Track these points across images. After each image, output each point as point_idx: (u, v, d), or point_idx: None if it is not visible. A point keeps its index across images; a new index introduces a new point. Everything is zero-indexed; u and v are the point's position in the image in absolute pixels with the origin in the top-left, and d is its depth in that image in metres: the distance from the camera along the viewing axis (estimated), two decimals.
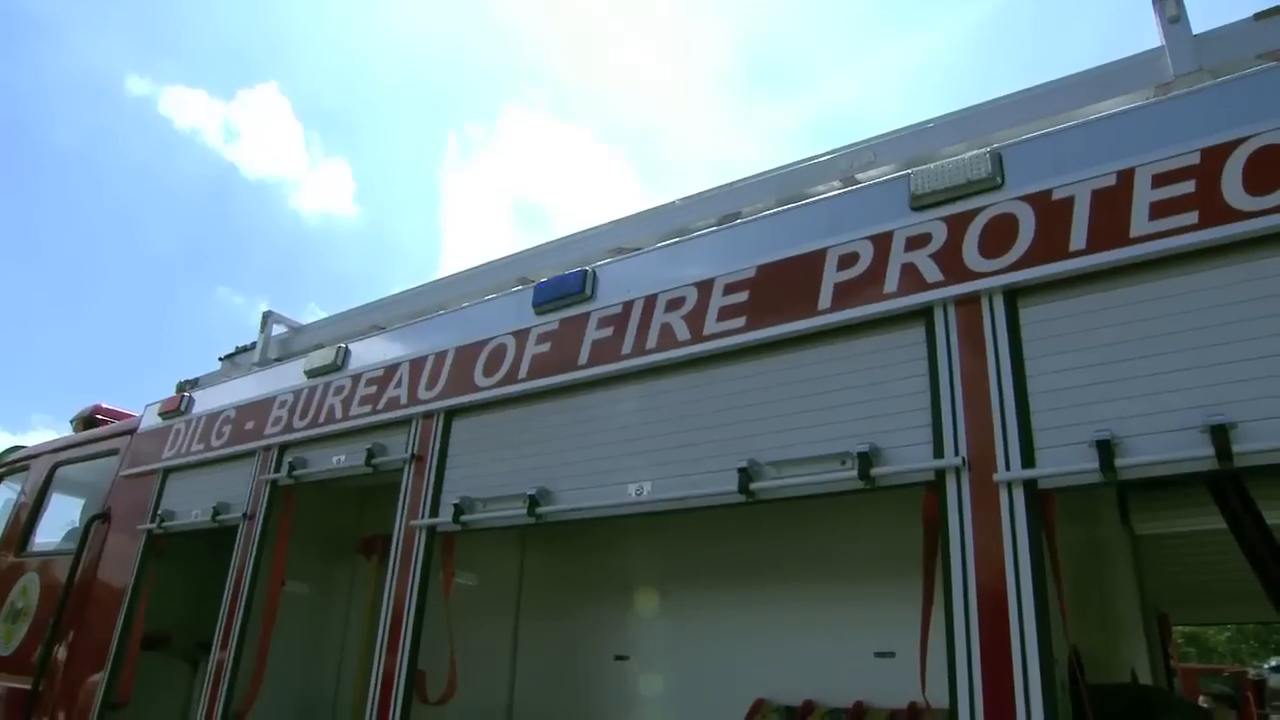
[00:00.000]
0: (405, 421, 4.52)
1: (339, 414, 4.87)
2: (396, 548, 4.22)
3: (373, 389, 4.77)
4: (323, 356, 5.19)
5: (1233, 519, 3.74)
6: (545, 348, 4.08)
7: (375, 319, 5.65)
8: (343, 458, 4.75)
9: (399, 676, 3.93)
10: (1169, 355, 2.68)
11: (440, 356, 4.51)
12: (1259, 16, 3.23)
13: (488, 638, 4.70)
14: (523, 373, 4.12)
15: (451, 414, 4.34)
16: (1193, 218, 2.78)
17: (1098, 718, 3.23)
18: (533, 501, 3.77)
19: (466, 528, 4.03)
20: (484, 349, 4.34)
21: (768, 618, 3.90)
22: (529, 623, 4.80)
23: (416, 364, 4.61)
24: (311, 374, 5.20)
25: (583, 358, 3.93)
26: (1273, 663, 15.39)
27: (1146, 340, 2.72)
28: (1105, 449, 2.61)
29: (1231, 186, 2.76)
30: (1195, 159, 2.84)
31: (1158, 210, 2.84)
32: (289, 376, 5.40)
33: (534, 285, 4.34)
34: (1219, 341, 2.62)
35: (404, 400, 4.56)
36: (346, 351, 5.12)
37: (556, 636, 4.58)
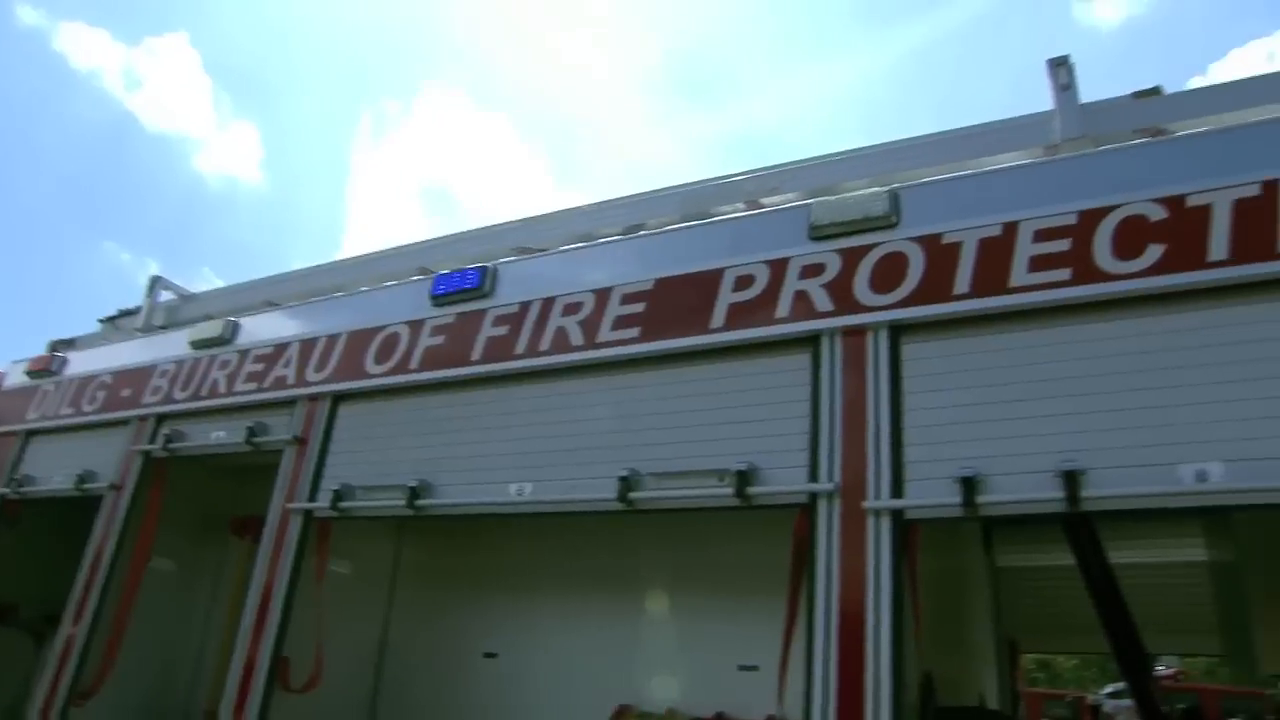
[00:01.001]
0: (290, 402, 4.43)
1: (222, 389, 4.74)
2: (270, 530, 4.13)
3: (260, 366, 4.66)
4: (211, 328, 5.04)
5: (1080, 557, 3.97)
6: (440, 340, 4.06)
7: (269, 294, 5.52)
8: (223, 434, 4.63)
9: (261, 662, 3.85)
10: (1033, 401, 2.84)
11: (332, 339, 4.44)
12: (1138, 95, 3.45)
13: (357, 627, 4.64)
14: (415, 363, 4.09)
15: (339, 398, 4.28)
16: (1066, 274, 2.95)
17: None
18: (413, 493, 3.74)
19: (344, 514, 3.97)
20: (377, 336, 4.29)
21: (638, 626, 3.96)
22: (401, 615, 4.75)
23: (307, 345, 4.52)
24: (197, 345, 5.05)
25: (476, 354, 3.92)
26: (1108, 690, 16.32)
27: (1014, 385, 2.88)
28: (968, 486, 2.76)
29: (1102, 249, 2.94)
30: (1073, 219, 3.02)
31: (1036, 264, 3.01)
32: (173, 346, 5.23)
33: (434, 276, 4.31)
34: (1078, 392, 2.80)
35: (291, 380, 4.47)
36: (236, 325, 4.99)
37: (428, 630, 4.55)
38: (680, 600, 3.91)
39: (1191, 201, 2.92)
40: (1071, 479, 2.66)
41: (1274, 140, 2.94)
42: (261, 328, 4.88)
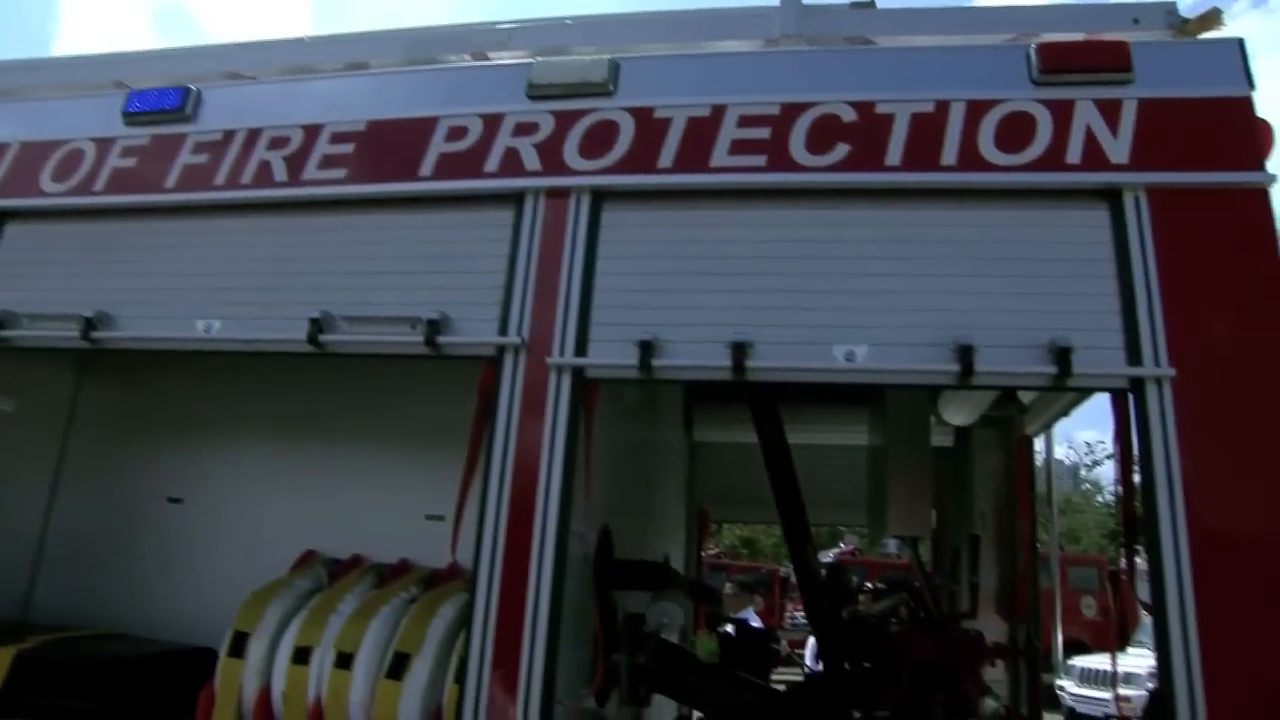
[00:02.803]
0: None
1: None
2: None
3: None
4: None
5: (762, 435, 4.33)
6: (130, 163, 3.72)
7: None
8: None
9: None
10: (715, 276, 3.02)
11: (2, 148, 3.95)
12: (854, 5, 3.64)
13: (24, 465, 4.28)
14: (99, 185, 3.73)
15: (6, 216, 3.84)
16: (762, 160, 3.12)
17: (613, 585, 3.63)
18: (88, 324, 3.46)
19: (6, 344, 3.62)
20: (57, 150, 3.86)
21: (327, 472, 3.92)
22: (77, 457, 4.42)
23: None
24: None
25: (171, 181, 3.64)
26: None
27: (701, 260, 3.05)
28: (646, 349, 2.91)
29: (797, 141, 3.13)
30: (776, 110, 3.18)
31: (736, 147, 3.16)
32: None
33: (129, 92, 3.91)
34: (755, 271, 3.00)
35: None
36: None
37: (107, 471, 4.27)
38: (371, 449, 3.89)
39: (880, 109, 3.15)
40: (739, 350, 2.87)
41: (955, 65, 3.21)
42: None
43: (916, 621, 4.09)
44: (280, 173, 3.49)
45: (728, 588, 8.17)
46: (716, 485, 6.22)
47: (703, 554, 6.99)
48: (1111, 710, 8.89)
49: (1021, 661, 4.75)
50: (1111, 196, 2.95)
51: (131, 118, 3.80)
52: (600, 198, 3.16)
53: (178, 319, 3.42)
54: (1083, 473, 35.58)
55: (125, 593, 3.97)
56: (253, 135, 3.60)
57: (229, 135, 3.64)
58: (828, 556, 16.58)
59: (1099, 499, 33.00)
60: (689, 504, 6.12)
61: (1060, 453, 35.84)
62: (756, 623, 6.22)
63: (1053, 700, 14.01)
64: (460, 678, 2.86)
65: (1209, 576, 2.61)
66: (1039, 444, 5.19)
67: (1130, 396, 2.77)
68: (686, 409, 5.69)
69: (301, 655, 3.24)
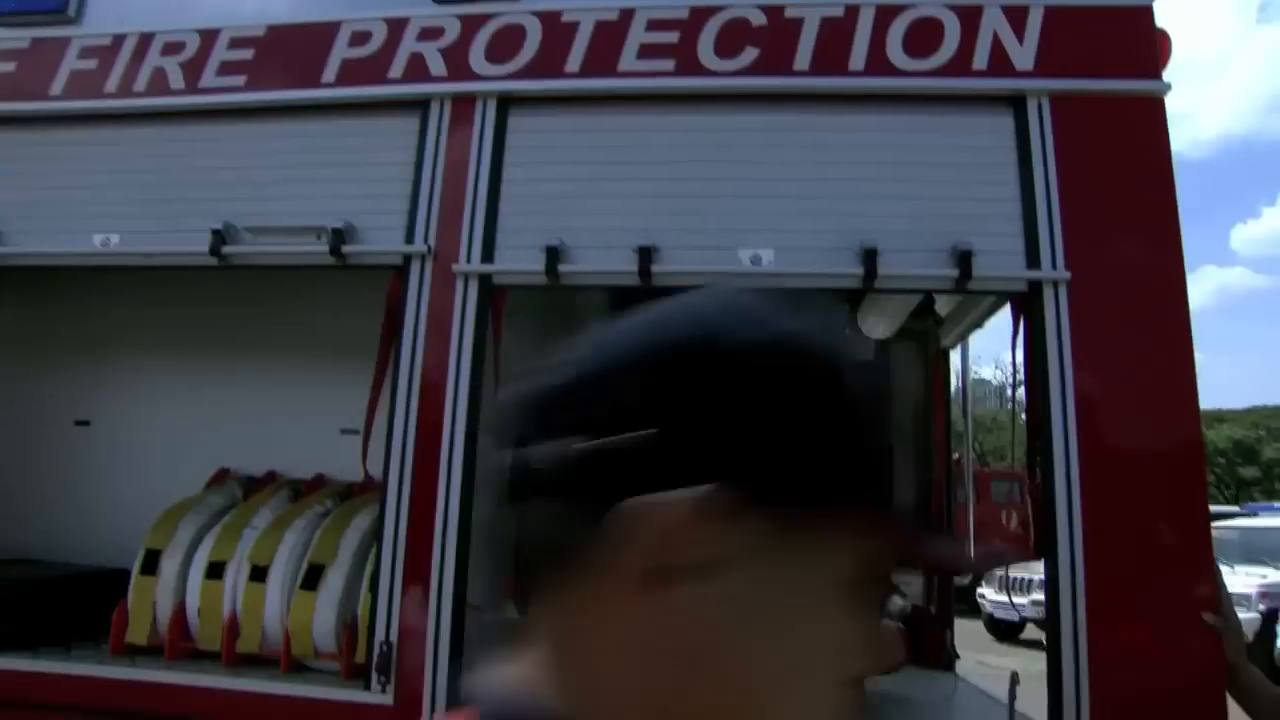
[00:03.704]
0: None
1: None
2: None
3: None
4: None
5: None
6: (9, 67, 3.53)
7: None
8: None
9: None
10: (622, 182, 3.00)
11: None
12: None
13: None
14: None
15: None
16: (670, 65, 3.08)
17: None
18: None
19: None
20: None
21: (238, 388, 3.86)
22: None
23: None
24: None
25: (57, 88, 3.47)
26: None
27: (608, 165, 3.03)
28: (552, 255, 2.89)
29: (706, 45, 3.09)
30: (685, 14, 3.13)
31: (645, 52, 3.11)
32: None
33: None
34: (662, 177, 2.99)
35: None
36: None
37: (8, 396, 4.14)
38: (284, 364, 3.84)
39: (789, 13, 3.12)
40: (646, 254, 2.87)
41: None
42: None
43: None
44: (176, 80, 3.35)
45: None
46: None
47: None
48: (1030, 614, 9.32)
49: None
50: (1016, 103, 2.98)
51: (7, 18, 3.60)
52: (507, 103, 3.09)
53: (73, 234, 3.29)
54: (1009, 392, 36.69)
55: (33, 518, 3.89)
56: (145, 40, 3.44)
57: (119, 40, 3.47)
58: None
59: (1023, 417, 34.07)
60: None
61: (988, 374, 36.94)
62: None
63: (975, 608, 14.61)
64: (375, 587, 2.88)
65: (1096, 481, 2.71)
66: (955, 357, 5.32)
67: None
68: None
69: (215, 570, 3.23)
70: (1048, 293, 2.82)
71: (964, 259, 2.81)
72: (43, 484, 4.02)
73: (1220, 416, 47.60)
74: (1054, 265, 2.83)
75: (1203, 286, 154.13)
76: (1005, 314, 3.10)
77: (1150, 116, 3.00)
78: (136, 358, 4.02)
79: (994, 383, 40.15)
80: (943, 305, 5.08)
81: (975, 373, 34.82)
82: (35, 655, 3.11)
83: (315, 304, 3.70)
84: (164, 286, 3.82)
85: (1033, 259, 2.84)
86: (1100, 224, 2.92)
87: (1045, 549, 2.70)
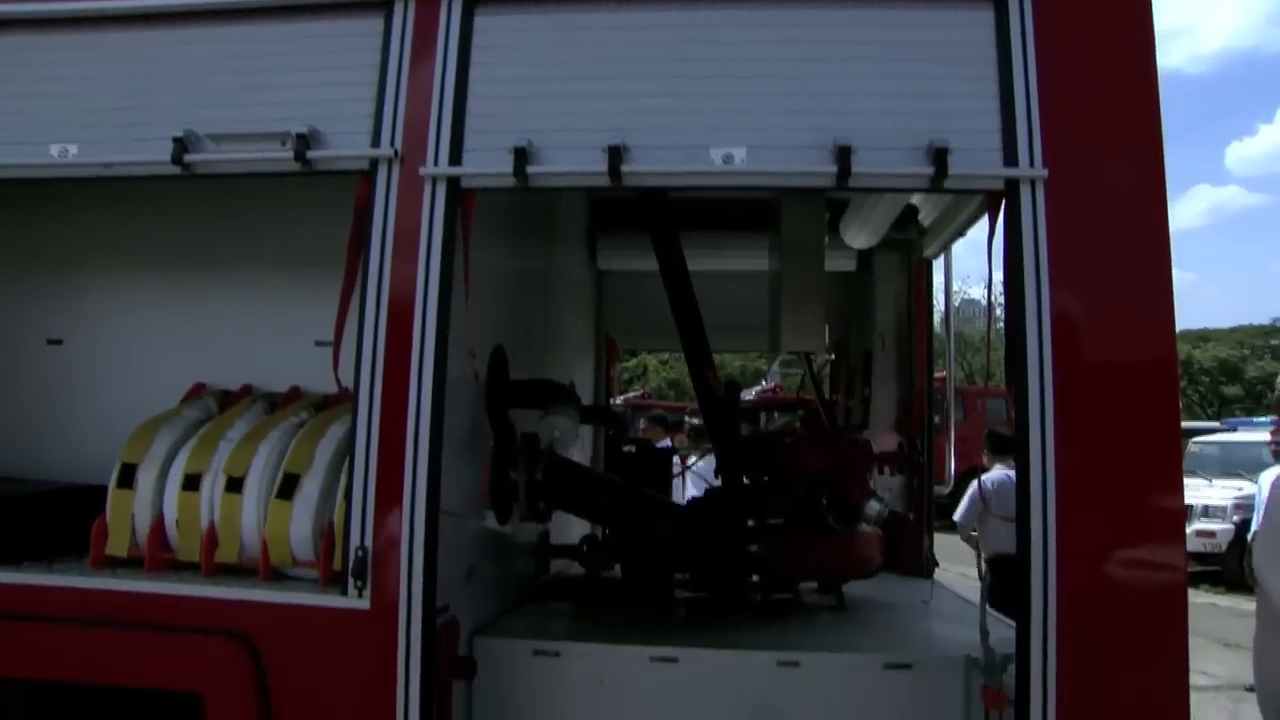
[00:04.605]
0: None
1: None
2: None
3: None
4: None
5: (663, 266, 4.32)
6: None
7: None
8: None
9: None
10: (590, 80, 2.94)
11: None
12: None
13: None
14: None
15: None
16: None
17: (506, 403, 3.67)
18: None
19: None
20: None
21: (212, 304, 3.80)
22: None
23: None
24: None
25: None
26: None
27: (575, 64, 2.96)
28: (520, 156, 2.83)
29: None
30: None
31: None
32: None
33: None
34: (633, 75, 2.92)
35: None
36: None
37: None
38: (255, 277, 3.77)
39: None
40: (615, 154, 2.81)
41: None
42: None
43: (809, 434, 4.23)
44: None
45: (642, 423, 8.34)
46: (622, 314, 6.24)
47: (625, 392, 7.08)
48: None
49: (911, 473, 4.98)
50: None
51: None
52: (473, 2, 2.99)
53: (29, 144, 3.19)
54: (998, 311, 36.75)
55: (7, 437, 3.86)
56: None
57: None
58: (750, 394, 16.93)
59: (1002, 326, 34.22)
60: (596, 333, 6.15)
61: (976, 293, 36.91)
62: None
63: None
64: (349, 494, 2.88)
65: (1069, 383, 2.71)
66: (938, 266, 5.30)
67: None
68: (590, 237, 5.65)
69: (191, 482, 3.22)
70: (1025, 191, 2.78)
71: (940, 156, 2.76)
72: (17, 404, 3.98)
73: (1205, 336, 47.90)
74: (1031, 163, 2.79)
75: (1195, 206, 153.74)
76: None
77: (1134, 11, 2.93)
78: (108, 275, 3.96)
79: (983, 303, 40.23)
80: (925, 214, 5.05)
81: (965, 293, 34.85)
82: (17, 569, 3.13)
83: (288, 216, 3.63)
84: (134, 201, 3.75)
85: (1010, 156, 2.80)
86: (1080, 121, 2.88)
87: (1017, 445, 2.72)
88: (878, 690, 3.20)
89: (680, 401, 25.18)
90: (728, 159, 2.83)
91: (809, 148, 2.81)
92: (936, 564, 4.92)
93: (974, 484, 5.29)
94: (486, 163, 2.88)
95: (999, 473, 6.95)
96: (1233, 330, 51.75)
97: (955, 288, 5.32)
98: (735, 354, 28.64)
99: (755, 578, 3.96)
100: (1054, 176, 2.78)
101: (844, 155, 2.76)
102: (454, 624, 3.00)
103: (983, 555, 5.40)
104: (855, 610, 4.08)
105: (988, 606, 3.06)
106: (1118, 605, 2.70)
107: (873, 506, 3.90)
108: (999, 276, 2.90)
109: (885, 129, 2.82)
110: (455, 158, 2.89)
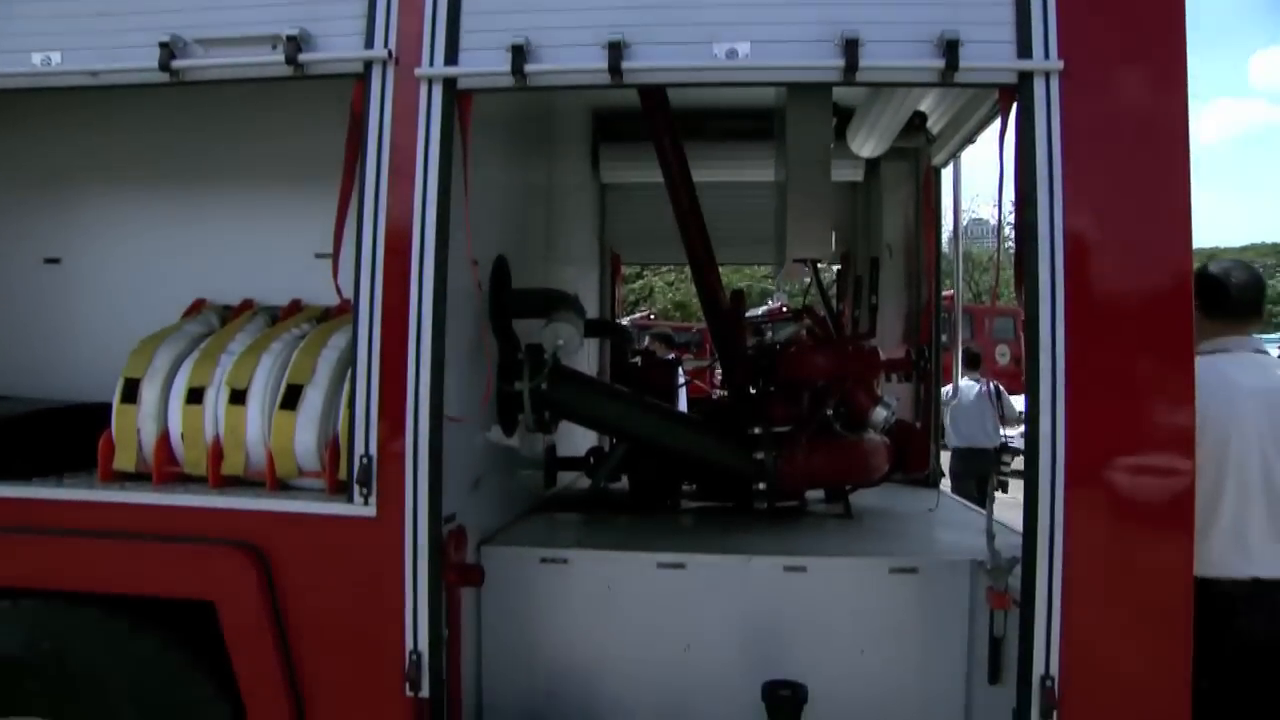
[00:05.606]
0: None
1: None
2: None
3: None
4: None
5: (667, 172, 4.24)
6: None
7: None
8: None
9: None
10: None
11: None
12: None
13: None
14: None
15: None
16: None
17: (509, 313, 3.64)
18: None
19: None
20: None
21: (207, 216, 3.74)
22: None
23: None
24: None
25: None
26: None
27: None
28: (518, 54, 2.74)
29: None
30: None
31: None
32: None
33: None
34: None
35: None
36: None
37: None
38: (253, 189, 3.71)
39: None
40: (616, 50, 2.72)
41: None
42: None
43: (815, 342, 4.19)
44: None
45: (648, 341, 8.30)
46: (626, 227, 6.16)
47: (632, 313, 7.03)
48: (1012, 442, 9.60)
49: (919, 380, 4.96)
50: None
51: None
52: None
53: (10, 52, 3.10)
54: (1007, 230, 36.46)
55: (6, 357, 3.85)
56: None
57: None
58: (758, 312, 16.82)
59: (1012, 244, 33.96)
60: (600, 248, 6.09)
61: (985, 213, 36.49)
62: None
63: None
64: (353, 403, 2.87)
65: (1081, 289, 2.66)
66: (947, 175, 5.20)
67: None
68: (593, 149, 5.55)
69: (195, 396, 3.20)
70: (1038, 84, 2.69)
71: (950, 48, 2.66)
72: (16, 323, 3.96)
73: (1214, 254, 47.36)
74: (1046, 55, 2.69)
75: (1216, 120, 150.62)
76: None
77: None
78: (104, 190, 3.90)
79: (991, 222, 39.79)
80: (934, 121, 4.94)
81: (974, 212, 34.46)
82: (28, 484, 3.14)
83: (285, 125, 3.56)
84: (128, 113, 3.67)
85: (1024, 48, 2.70)
86: (1099, 12, 2.77)
87: (1028, 356, 2.68)
88: (884, 594, 3.22)
89: (687, 323, 25.14)
90: (731, 54, 2.73)
91: (815, 41, 2.71)
92: (943, 474, 4.93)
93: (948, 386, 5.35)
94: (483, 62, 2.79)
95: (965, 381, 8.37)
96: (1244, 248, 51.17)
97: (963, 207, 5.21)
98: (742, 276, 28.56)
99: (762, 486, 3.96)
100: (1070, 70, 2.68)
101: (851, 48, 2.66)
102: (461, 532, 3.02)
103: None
104: (861, 518, 4.10)
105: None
106: (1124, 509, 2.69)
107: (880, 413, 3.88)
108: (1010, 183, 2.83)
109: (894, 21, 2.72)
110: (451, 58, 2.80)
